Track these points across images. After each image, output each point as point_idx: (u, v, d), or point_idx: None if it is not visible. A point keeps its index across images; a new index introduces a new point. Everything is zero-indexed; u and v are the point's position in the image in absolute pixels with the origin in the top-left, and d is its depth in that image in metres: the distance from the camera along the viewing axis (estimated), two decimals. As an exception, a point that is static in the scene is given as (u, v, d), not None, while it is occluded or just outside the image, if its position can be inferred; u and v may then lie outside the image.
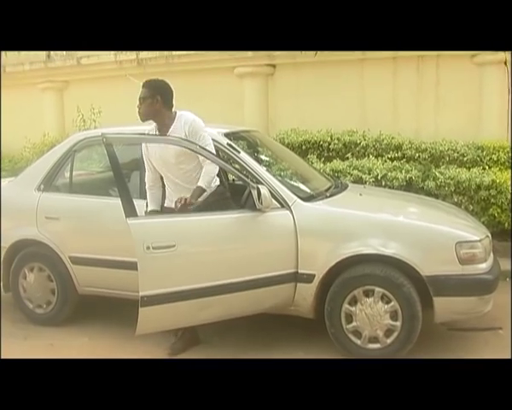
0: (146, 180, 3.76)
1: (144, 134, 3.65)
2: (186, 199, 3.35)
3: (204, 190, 3.47)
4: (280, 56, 7.22)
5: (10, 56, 9.66)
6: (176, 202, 3.38)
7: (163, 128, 3.57)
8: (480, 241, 3.52)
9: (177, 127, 3.52)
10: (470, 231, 3.67)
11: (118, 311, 4.31)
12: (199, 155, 3.48)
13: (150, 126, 3.67)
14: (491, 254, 3.69)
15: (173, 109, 3.63)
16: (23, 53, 10.18)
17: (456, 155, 5.97)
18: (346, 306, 3.53)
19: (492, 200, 5.45)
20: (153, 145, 3.61)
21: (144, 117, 3.57)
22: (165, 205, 3.70)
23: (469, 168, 5.74)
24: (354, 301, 3.53)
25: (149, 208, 3.72)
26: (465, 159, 5.92)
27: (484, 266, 3.48)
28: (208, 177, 3.47)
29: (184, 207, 3.35)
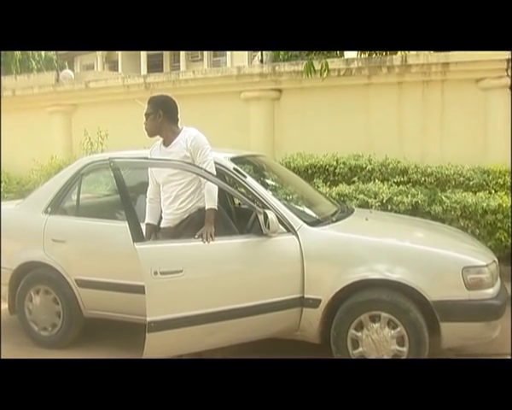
0: (147, 193, 3.81)
1: (150, 158, 3.68)
2: (209, 232, 3.39)
3: (215, 210, 3.49)
4: (286, 81, 7.30)
5: (20, 80, 9.82)
6: (204, 239, 3.39)
7: (167, 142, 3.63)
8: (486, 266, 3.50)
9: (180, 141, 3.56)
10: (477, 255, 3.66)
11: (123, 334, 4.29)
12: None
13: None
14: (499, 279, 3.67)
15: (179, 125, 3.68)
16: (32, 76, 10.33)
17: (462, 179, 5.97)
18: (352, 331, 3.52)
19: (499, 224, 5.43)
20: (156, 155, 3.67)
21: (149, 132, 3.65)
22: (162, 226, 3.71)
23: (475, 192, 5.74)
24: (360, 327, 3.51)
25: (146, 221, 3.76)
26: (471, 183, 5.92)
27: (491, 292, 3.46)
28: (212, 195, 3.49)
29: (212, 237, 3.40)
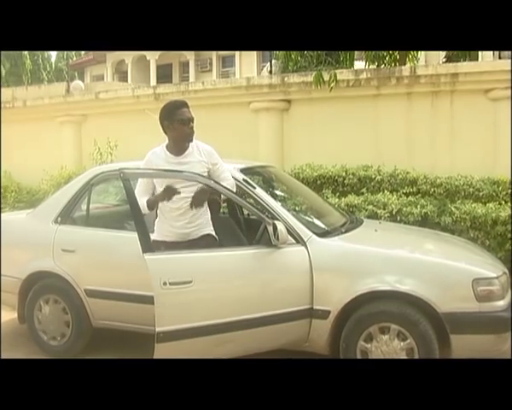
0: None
1: (161, 169, 3.68)
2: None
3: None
4: (295, 92, 7.31)
5: (31, 91, 9.92)
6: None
7: (181, 151, 3.55)
8: (497, 278, 3.48)
9: (194, 153, 3.54)
10: (487, 267, 3.64)
11: (132, 345, 4.29)
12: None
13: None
14: (509, 291, 3.64)
15: None
16: (43, 87, 10.42)
17: (471, 189, 5.93)
18: (361, 343, 3.50)
19: (509, 235, 5.37)
20: (160, 163, 3.58)
21: (192, 137, 3.57)
22: (154, 238, 3.58)
23: (485, 203, 5.70)
24: (370, 339, 3.49)
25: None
26: (481, 194, 5.89)
27: (501, 304, 3.43)
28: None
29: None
